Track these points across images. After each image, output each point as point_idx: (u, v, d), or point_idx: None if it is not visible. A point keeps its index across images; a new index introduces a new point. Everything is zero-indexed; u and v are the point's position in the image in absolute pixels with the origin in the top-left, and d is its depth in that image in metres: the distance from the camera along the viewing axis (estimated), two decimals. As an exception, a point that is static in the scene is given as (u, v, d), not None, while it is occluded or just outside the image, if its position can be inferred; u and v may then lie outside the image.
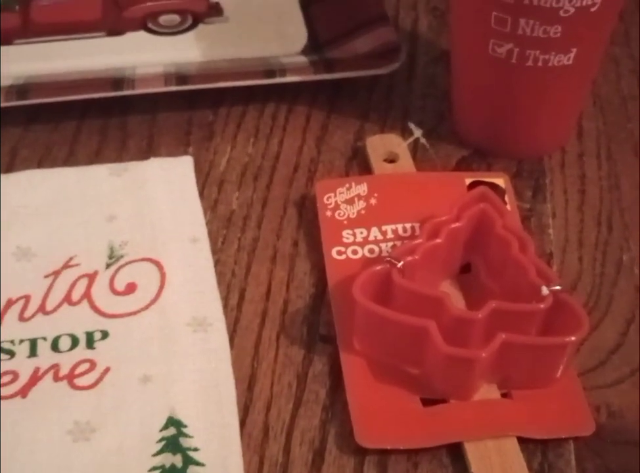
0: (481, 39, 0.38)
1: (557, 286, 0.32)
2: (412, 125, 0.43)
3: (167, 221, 0.39)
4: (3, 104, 0.43)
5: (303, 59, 0.47)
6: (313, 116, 0.45)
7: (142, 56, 0.48)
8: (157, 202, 0.40)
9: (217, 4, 0.51)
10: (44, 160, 0.43)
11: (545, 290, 0.32)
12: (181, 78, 0.45)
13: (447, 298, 0.32)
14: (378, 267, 0.33)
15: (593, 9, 0.36)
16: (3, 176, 0.41)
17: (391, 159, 0.42)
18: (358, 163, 0.43)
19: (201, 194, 0.41)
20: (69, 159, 0.43)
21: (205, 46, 0.49)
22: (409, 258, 0.34)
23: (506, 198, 0.40)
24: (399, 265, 0.33)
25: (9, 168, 0.42)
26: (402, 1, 0.52)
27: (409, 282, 0.33)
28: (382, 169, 0.41)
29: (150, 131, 0.45)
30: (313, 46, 0.48)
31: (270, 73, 0.45)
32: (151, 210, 0.39)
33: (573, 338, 0.31)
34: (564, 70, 0.38)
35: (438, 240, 0.35)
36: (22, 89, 0.44)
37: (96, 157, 0.43)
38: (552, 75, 0.39)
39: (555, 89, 0.40)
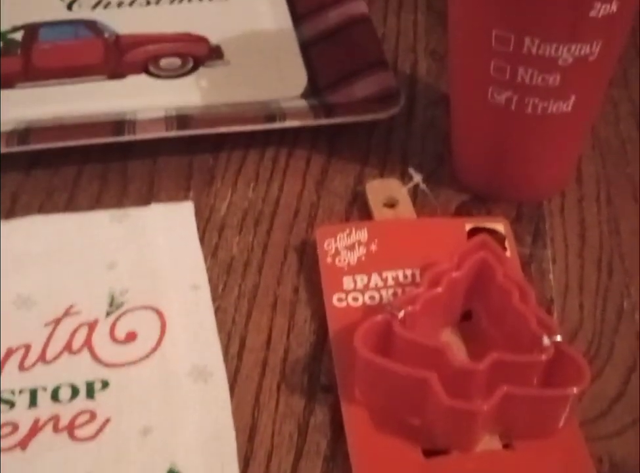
0: (480, 87, 0.39)
1: (558, 336, 0.32)
2: (412, 170, 0.43)
3: (168, 268, 0.39)
4: (4, 150, 0.43)
5: (303, 103, 0.47)
6: (313, 160, 0.46)
7: (144, 99, 0.48)
8: (158, 248, 0.40)
9: (218, 47, 0.52)
10: (45, 205, 0.43)
11: (546, 341, 0.32)
12: (182, 123, 0.45)
13: (448, 349, 0.32)
14: (379, 317, 0.33)
15: (591, 58, 0.36)
16: (3, 222, 0.41)
17: (391, 204, 0.42)
18: (358, 208, 0.43)
19: (201, 239, 0.41)
20: (70, 205, 0.43)
21: (206, 90, 0.49)
22: (410, 308, 0.34)
23: (507, 244, 0.40)
24: (400, 315, 0.33)
25: (10, 214, 0.42)
26: (401, 44, 0.53)
27: (410, 333, 0.33)
28: (382, 215, 0.41)
29: (150, 175, 0.45)
30: (313, 89, 0.49)
31: (270, 118, 0.45)
32: (152, 257, 0.39)
33: (575, 390, 0.31)
34: (563, 117, 0.39)
35: (439, 289, 0.35)
36: (24, 134, 0.44)
37: (96, 203, 0.43)
38: (552, 122, 0.39)
39: (554, 136, 0.40)
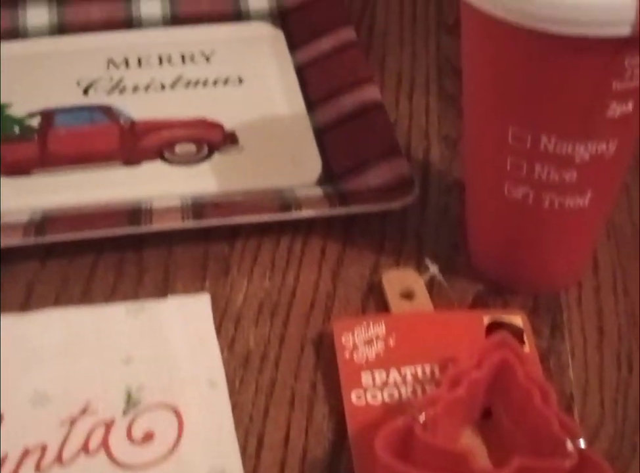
0: (496, 182, 0.39)
1: (582, 442, 0.32)
2: (428, 261, 0.43)
3: (185, 364, 0.39)
4: (22, 243, 0.43)
5: (317, 191, 0.47)
6: (328, 249, 0.46)
7: (159, 187, 0.49)
8: (174, 343, 0.39)
9: (233, 133, 0.52)
10: (60, 296, 0.43)
11: (570, 446, 0.32)
12: (198, 213, 0.45)
13: (471, 455, 0.32)
14: (400, 421, 0.33)
15: (607, 155, 0.37)
16: (20, 315, 0.41)
17: (408, 295, 0.42)
18: (374, 298, 0.43)
19: (218, 331, 0.41)
20: (86, 296, 0.43)
21: (221, 177, 0.49)
22: (431, 410, 0.33)
23: (525, 338, 0.40)
24: (421, 418, 0.33)
25: (25, 306, 0.42)
26: (413, 129, 0.53)
27: (431, 438, 0.32)
28: (399, 307, 0.41)
29: (166, 265, 0.45)
30: (327, 176, 0.49)
31: (286, 207, 0.45)
32: (168, 352, 0.39)
33: (600, 497, 0.31)
34: (579, 211, 0.39)
35: (460, 391, 0.34)
36: (40, 226, 0.44)
37: (112, 293, 0.43)
38: (568, 216, 0.39)
39: (571, 229, 0.40)
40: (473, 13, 0.35)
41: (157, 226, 0.44)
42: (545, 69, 0.34)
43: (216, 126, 0.53)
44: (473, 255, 0.44)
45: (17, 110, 0.54)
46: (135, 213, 0.45)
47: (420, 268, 0.44)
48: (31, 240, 0.44)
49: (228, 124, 0.53)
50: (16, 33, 0.59)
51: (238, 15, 0.61)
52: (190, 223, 0.44)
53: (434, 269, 0.43)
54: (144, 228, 0.44)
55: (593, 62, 0.33)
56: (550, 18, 0.32)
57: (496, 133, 0.37)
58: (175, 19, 0.60)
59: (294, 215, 0.45)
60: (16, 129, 0.53)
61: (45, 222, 0.45)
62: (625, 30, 0.32)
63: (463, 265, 0.44)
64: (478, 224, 0.43)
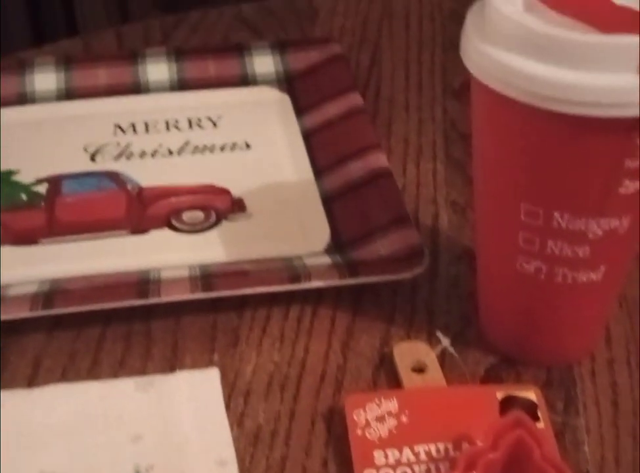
0: (508, 256, 0.39)
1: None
2: (439, 334, 0.43)
3: (194, 442, 0.38)
4: (29, 315, 0.43)
5: (326, 260, 0.47)
6: (338, 319, 0.45)
7: (167, 256, 0.48)
8: (183, 420, 0.39)
9: (241, 200, 0.52)
10: (68, 370, 0.43)
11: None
12: (206, 284, 0.45)
13: None
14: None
15: (620, 231, 0.36)
16: (26, 391, 0.40)
17: (420, 369, 0.42)
18: (385, 371, 0.42)
19: (227, 406, 0.40)
20: (94, 370, 0.43)
21: (229, 245, 0.49)
22: (447, 494, 0.33)
23: (539, 413, 0.39)
24: (438, 503, 0.32)
25: (32, 380, 0.42)
26: (421, 195, 0.53)
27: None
28: (410, 381, 0.41)
29: (174, 337, 0.44)
30: (336, 245, 0.49)
31: (295, 278, 0.45)
32: (178, 429, 0.38)
33: None
34: (592, 285, 0.38)
35: (476, 474, 0.34)
36: (48, 298, 0.44)
37: (120, 367, 0.43)
38: (581, 291, 0.39)
39: (584, 303, 0.40)
40: (484, 91, 0.35)
41: (165, 298, 0.44)
42: (557, 147, 0.34)
43: (224, 192, 0.53)
44: (485, 327, 0.44)
45: (24, 176, 0.54)
46: (143, 284, 0.45)
47: (432, 340, 0.44)
48: (39, 313, 0.43)
49: (236, 190, 0.53)
50: (23, 98, 0.59)
51: (245, 80, 0.61)
52: (199, 295, 0.44)
53: (445, 342, 0.43)
54: (152, 301, 0.44)
55: (605, 141, 0.34)
56: (562, 99, 0.32)
57: (508, 208, 0.37)
58: (182, 84, 0.61)
59: (304, 285, 0.45)
60: (23, 196, 0.52)
61: (53, 294, 0.44)
62: (634, 111, 0.33)
63: (475, 337, 0.44)
64: (490, 296, 0.42)
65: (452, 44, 0.66)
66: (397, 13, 0.71)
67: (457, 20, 0.71)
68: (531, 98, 0.33)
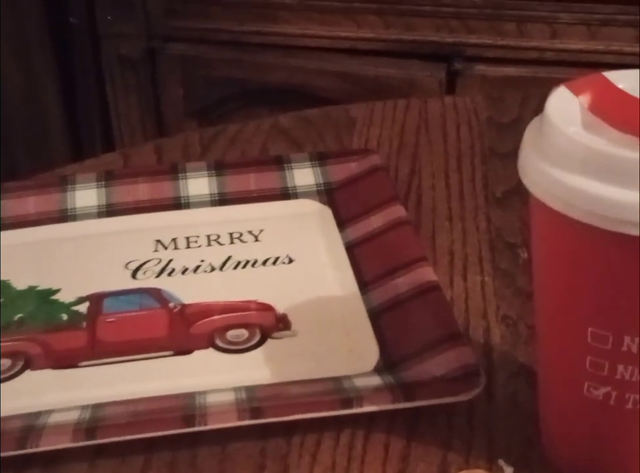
0: (574, 380, 0.37)
1: None
2: (502, 462, 0.41)
3: None
4: (72, 445, 0.41)
5: (377, 381, 0.45)
6: (392, 445, 0.43)
7: (211, 378, 0.47)
8: None
9: (285, 316, 0.51)
10: (111, 503, 0.41)
11: None
12: (254, 409, 0.43)
13: None
14: None
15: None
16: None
17: (482, 502, 0.39)
18: (444, 502, 0.40)
19: None
20: (138, 503, 0.41)
21: (275, 365, 0.48)
22: None
23: None
24: None
25: (75, 515, 0.40)
26: (470, 309, 0.52)
27: None
28: (473, 513, 0.39)
29: (221, 465, 0.42)
30: (386, 364, 0.47)
31: (346, 402, 0.43)
32: None
33: None
34: (665, 410, 0.36)
35: None
36: (90, 428, 0.42)
37: (165, 498, 0.41)
38: (654, 416, 0.37)
39: (656, 428, 0.38)
40: (545, 211, 0.34)
41: (212, 425, 0.42)
42: (626, 271, 0.33)
43: (268, 309, 0.52)
44: (549, 450, 0.41)
45: (65, 295, 0.53)
46: (189, 410, 0.43)
47: (493, 466, 0.41)
48: (81, 443, 0.42)
49: (280, 306, 0.52)
50: (64, 215, 0.59)
51: (285, 192, 0.61)
52: (247, 421, 0.42)
53: (508, 471, 0.40)
54: (199, 428, 0.42)
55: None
56: (628, 221, 0.31)
57: (573, 332, 0.36)
58: (223, 198, 0.60)
59: (356, 410, 0.43)
60: (64, 317, 0.52)
61: (95, 422, 0.43)
62: None
63: (539, 461, 0.42)
64: (554, 419, 0.40)
65: (491, 151, 0.66)
66: (433, 121, 0.71)
67: (494, 127, 0.72)
68: (595, 220, 0.32)
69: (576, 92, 0.35)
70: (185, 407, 0.44)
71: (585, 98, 0.35)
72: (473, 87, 1.05)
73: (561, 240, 0.34)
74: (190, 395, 0.45)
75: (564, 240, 0.34)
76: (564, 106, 0.34)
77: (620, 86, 0.35)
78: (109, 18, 1.09)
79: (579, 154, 0.32)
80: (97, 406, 0.44)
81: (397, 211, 0.57)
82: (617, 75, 0.35)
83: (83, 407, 0.44)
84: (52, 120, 1.14)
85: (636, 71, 0.36)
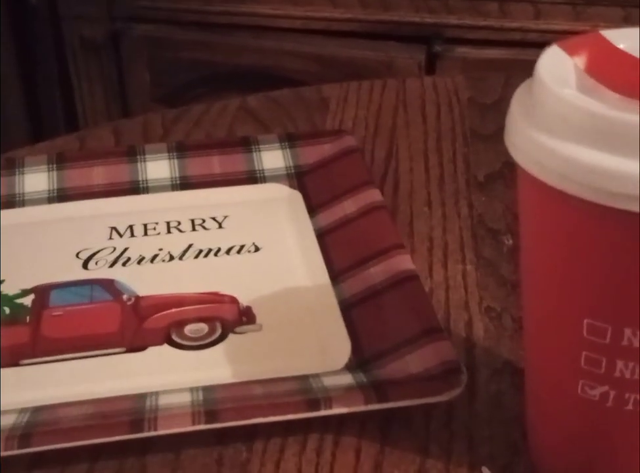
0: (567, 379, 0.33)
1: None
2: (485, 470, 0.37)
3: None
4: (4, 453, 0.37)
5: (348, 379, 0.41)
6: (364, 451, 0.39)
7: (166, 377, 0.42)
8: None
9: (249, 309, 0.47)
10: (48, 519, 0.36)
11: None
12: (211, 412, 0.39)
13: None
14: None
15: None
16: None
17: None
18: (422, 514, 0.36)
19: None
20: (79, 518, 0.36)
21: (236, 362, 0.43)
22: None
23: None
24: None
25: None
26: (451, 301, 0.47)
27: None
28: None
29: (174, 474, 0.38)
30: (359, 361, 0.43)
31: (313, 404, 0.39)
32: None
33: None
34: (669, 412, 0.33)
35: None
36: (25, 434, 0.38)
37: (110, 513, 0.37)
38: (656, 418, 0.33)
39: (658, 432, 0.34)
40: (535, 186, 0.30)
41: (163, 430, 0.38)
42: (628, 254, 0.29)
43: (231, 301, 0.47)
44: (536, 457, 0.37)
45: (9, 287, 0.48)
46: (137, 413, 0.39)
47: (474, 473, 0.37)
48: (14, 451, 0.37)
49: (244, 298, 0.47)
50: (12, 201, 0.55)
51: (252, 176, 0.56)
52: (202, 426, 0.38)
53: (493, 481, 0.36)
54: (148, 434, 0.38)
55: (689, 244, 0.28)
56: (635, 196, 0.27)
57: (567, 324, 0.31)
58: (184, 182, 0.56)
59: (324, 412, 0.39)
60: (6, 310, 0.47)
61: (32, 428, 0.38)
62: None
63: (524, 469, 0.38)
64: (543, 423, 0.36)
65: (473, 133, 0.62)
66: (412, 102, 0.66)
67: (476, 108, 0.67)
68: (594, 195, 0.28)
69: (571, 52, 0.31)
70: (134, 410, 0.39)
71: (581, 59, 0.30)
72: (454, 69, 1.01)
73: (554, 218, 0.30)
74: (141, 397, 0.40)
75: (557, 219, 0.30)
76: (558, 67, 0.30)
77: (620, 46, 0.31)
78: (71, -3, 1.05)
79: (575, 119, 0.28)
80: (37, 410, 0.40)
81: (371, 196, 0.53)
82: (616, 34, 0.31)
83: (21, 411, 0.40)
84: (12, 106, 1.09)
85: (636, 29, 0.32)
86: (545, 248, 0.31)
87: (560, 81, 0.29)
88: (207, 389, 0.41)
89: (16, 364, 0.44)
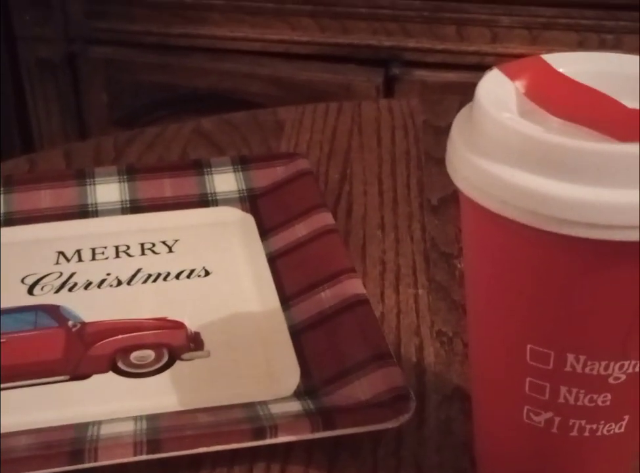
0: (512, 405, 0.32)
1: None
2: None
3: None
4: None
5: (296, 406, 0.40)
6: (311, 480, 0.38)
7: (109, 406, 0.41)
8: None
9: (197, 334, 0.46)
10: None
11: None
12: (153, 442, 0.38)
13: None
14: None
15: (646, 374, 0.31)
16: None
17: None
18: None
19: None
20: None
21: (183, 390, 0.42)
22: None
23: None
24: None
25: None
26: (402, 325, 0.47)
27: None
28: None
29: (115, 508, 0.37)
30: (307, 387, 0.42)
31: (259, 432, 0.38)
32: None
33: None
34: (613, 439, 0.32)
35: None
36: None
37: None
38: (601, 444, 0.32)
39: (603, 458, 0.33)
40: (476, 211, 0.29)
41: (104, 461, 0.37)
42: (570, 278, 0.28)
43: (178, 327, 0.46)
44: (485, 485, 0.37)
45: (-50, 313, 0.47)
46: (78, 444, 0.38)
47: (424, 506, 0.37)
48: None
49: (193, 324, 0.46)
50: (-45, 224, 0.53)
51: (204, 199, 0.56)
52: (144, 456, 0.37)
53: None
54: (88, 465, 0.37)
55: (631, 270, 0.28)
56: (575, 221, 0.27)
57: (511, 349, 0.31)
58: (134, 206, 0.55)
59: (269, 441, 0.38)
60: (-55, 338, 0.46)
61: (-32, 460, 0.37)
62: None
63: (474, 498, 0.37)
64: (491, 450, 0.36)
65: (427, 157, 0.62)
66: (367, 124, 0.66)
67: (431, 131, 0.67)
68: (535, 220, 0.28)
69: (511, 76, 0.31)
70: (75, 440, 0.38)
71: (522, 83, 0.30)
72: (412, 92, 1.01)
73: (495, 243, 0.30)
74: (83, 426, 0.39)
75: (498, 244, 0.29)
76: (498, 91, 0.30)
77: (561, 70, 0.31)
78: (27, 18, 1.03)
79: (515, 143, 0.28)
80: (-26, 442, 0.39)
81: (323, 219, 0.52)
82: (557, 57, 0.31)
83: (-43, 441, 0.39)
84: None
85: (577, 54, 0.32)
86: (485, 274, 0.31)
87: (500, 105, 0.29)
88: (151, 418, 0.40)
89: (-46, 393, 0.42)
